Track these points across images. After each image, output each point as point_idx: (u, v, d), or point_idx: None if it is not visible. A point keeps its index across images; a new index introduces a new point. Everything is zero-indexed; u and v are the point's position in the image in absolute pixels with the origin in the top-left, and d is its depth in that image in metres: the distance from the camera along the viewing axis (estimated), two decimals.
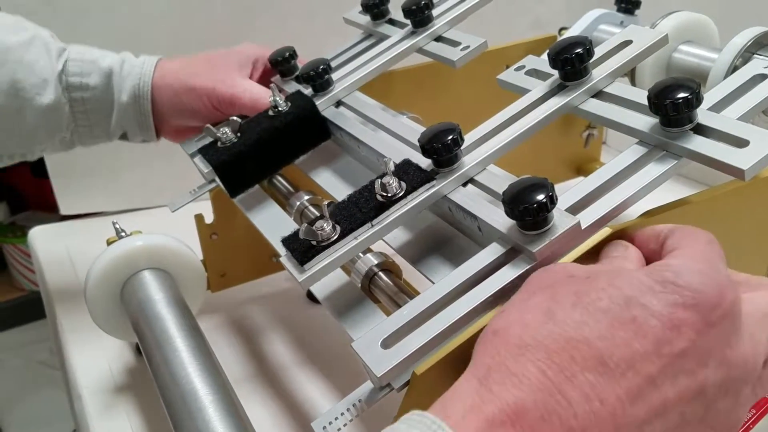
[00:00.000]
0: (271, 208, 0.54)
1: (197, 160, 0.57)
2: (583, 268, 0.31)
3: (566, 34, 0.70)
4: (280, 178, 0.60)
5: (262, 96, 0.58)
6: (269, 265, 0.69)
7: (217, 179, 0.55)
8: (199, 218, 0.64)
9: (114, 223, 0.57)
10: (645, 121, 0.39)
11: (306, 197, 0.55)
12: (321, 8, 0.86)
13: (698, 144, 0.36)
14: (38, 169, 1.38)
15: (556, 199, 0.35)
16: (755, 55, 0.54)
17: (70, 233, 0.85)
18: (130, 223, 0.58)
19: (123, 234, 0.57)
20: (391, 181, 0.40)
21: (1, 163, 0.45)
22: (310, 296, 0.68)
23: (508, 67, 0.73)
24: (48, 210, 1.57)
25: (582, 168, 0.83)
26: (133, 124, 0.62)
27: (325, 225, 0.40)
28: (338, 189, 0.52)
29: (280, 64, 0.61)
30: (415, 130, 0.50)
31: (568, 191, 0.38)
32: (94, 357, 0.63)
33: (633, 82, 0.63)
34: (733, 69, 0.54)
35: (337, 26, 0.67)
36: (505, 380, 0.25)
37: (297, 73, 0.61)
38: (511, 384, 0.25)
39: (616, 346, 0.26)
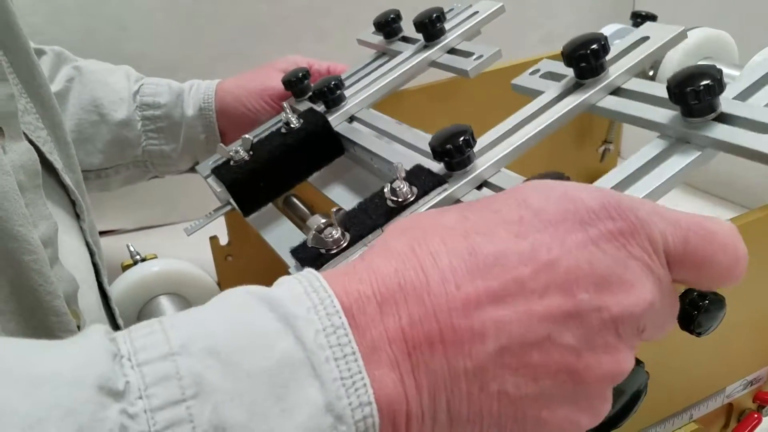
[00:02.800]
0: (284, 224, 0.53)
1: (211, 180, 0.56)
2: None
3: None
4: (295, 200, 0.59)
5: None
6: None
7: (230, 198, 0.54)
8: (214, 241, 0.63)
9: (128, 246, 0.57)
10: (666, 114, 0.37)
11: (323, 220, 0.53)
12: (332, 28, 0.86)
13: (723, 133, 0.34)
14: None
15: None
16: None
17: None
18: (142, 243, 0.58)
19: (137, 257, 0.57)
20: (402, 186, 0.39)
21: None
22: None
23: None
24: None
25: None
26: (200, 139, 0.65)
27: (333, 232, 0.38)
28: (352, 203, 0.51)
29: (294, 85, 0.61)
30: (428, 139, 0.48)
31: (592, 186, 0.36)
32: None
33: None
34: None
35: (348, 46, 0.67)
36: (380, 253, 0.25)
37: (310, 92, 0.60)
38: (383, 256, 0.25)
39: (491, 242, 0.24)
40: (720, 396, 0.45)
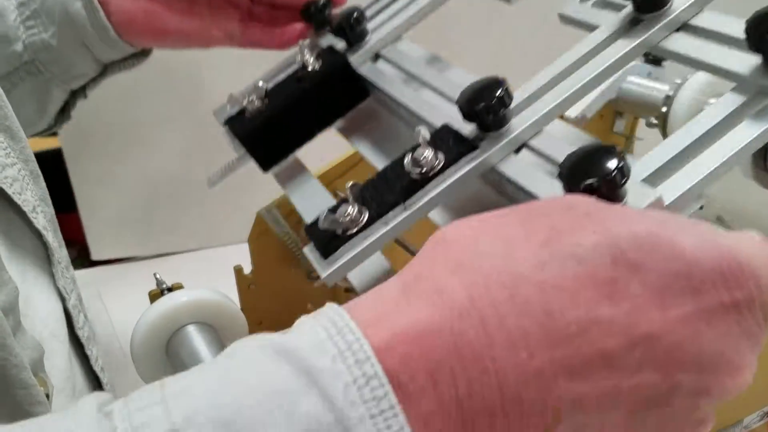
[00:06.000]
0: (308, 181, 0.49)
1: (225, 132, 0.52)
2: (595, 204, 0.24)
3: None
4: None
5: None
6: (307, 312, 0.65)
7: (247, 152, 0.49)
8: (238, 270, 0.61)
9: (155, 275, 0.55)
10: (744, 61, 0.31)
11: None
12: None
13: None
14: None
15: (629, 171, 0.27)
16: None
17: (104, 279, 0.81)
18: (164, 270, 0.56)
19: (164, 286, 0.55)
20: (426, 154, 0.34)
21: None
22: None
23: None
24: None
25: None
26: (76, 9, 0.53)
27: (350, 209, 0.34)
28: (382, 158, 0.46)
29: (313, 16, 0.55)
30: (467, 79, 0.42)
31: (646, 156, 0.30)
32: None
33: (664, 133, 0.56)
34: None
35: None
36: (427, 294, 0.21)
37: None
38: (431, 300, 0.21)
39: (575, 304, 0.20)
40: (737, 427, 0.44)
